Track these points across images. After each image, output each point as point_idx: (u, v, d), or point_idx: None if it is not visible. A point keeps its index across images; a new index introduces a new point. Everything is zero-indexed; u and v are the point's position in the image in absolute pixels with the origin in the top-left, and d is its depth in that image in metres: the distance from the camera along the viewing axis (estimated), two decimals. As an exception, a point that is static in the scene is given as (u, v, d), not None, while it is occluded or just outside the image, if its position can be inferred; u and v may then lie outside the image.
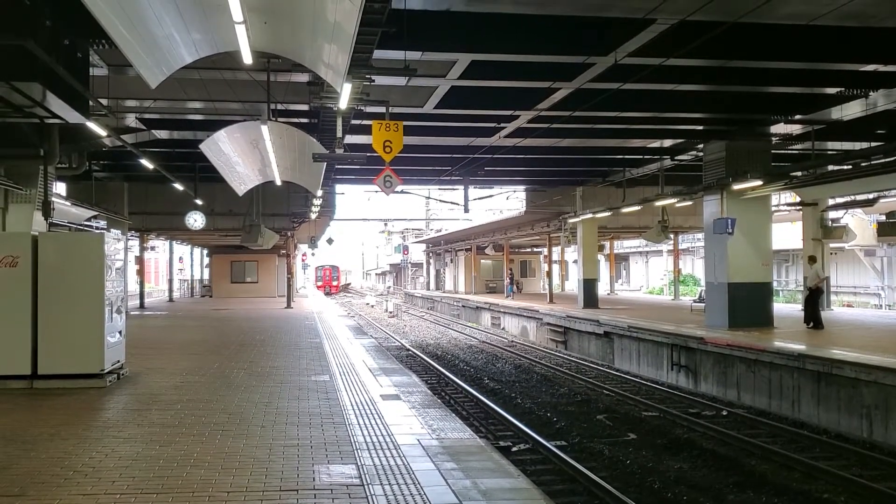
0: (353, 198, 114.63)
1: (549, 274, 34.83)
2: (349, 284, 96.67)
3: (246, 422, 7.58)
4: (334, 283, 78.55)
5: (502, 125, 16.38)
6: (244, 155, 15.97)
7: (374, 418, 7.84)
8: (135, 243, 29.91)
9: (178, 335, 17.87)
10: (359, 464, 6.00)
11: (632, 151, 20.60)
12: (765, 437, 11.53)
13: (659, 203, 22.20)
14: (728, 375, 14.78)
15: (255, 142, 14.00)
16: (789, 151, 20.03)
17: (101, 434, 7.04)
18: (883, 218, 22.99)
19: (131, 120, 15.27)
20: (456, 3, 9.58)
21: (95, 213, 21.50)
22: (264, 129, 12.00)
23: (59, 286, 9.61)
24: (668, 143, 19.37)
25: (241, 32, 7.66)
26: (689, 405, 14.19)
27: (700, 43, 9.73)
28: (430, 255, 60.25)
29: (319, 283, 76.11)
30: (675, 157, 20.80)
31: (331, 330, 19.13)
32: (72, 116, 10.31)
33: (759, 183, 16.10)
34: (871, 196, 21.66)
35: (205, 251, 45.39)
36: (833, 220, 24.29)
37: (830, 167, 16.59)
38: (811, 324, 16.89)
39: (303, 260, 57.42)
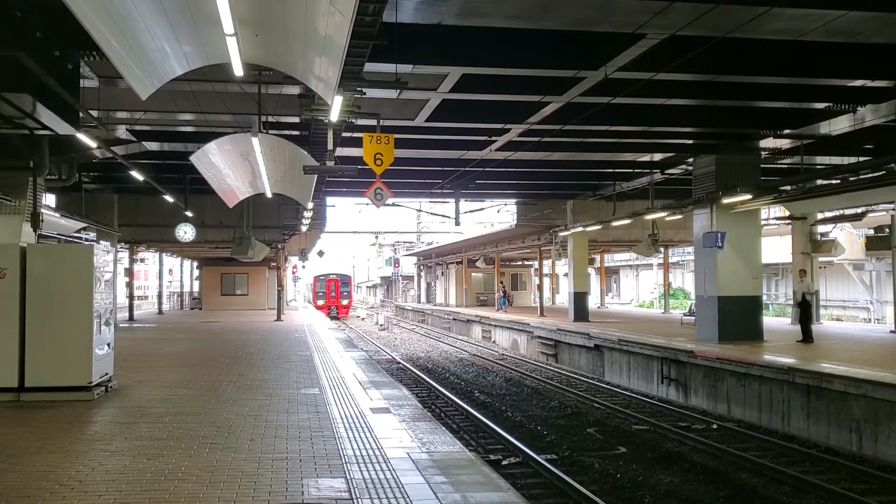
0: (343, 210, 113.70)
1: (540, 287, 34.83)
2: None
3: (235, 435, 7.52)
4: (344, 302, 55.62)
5: (493, 138, 16.43)
6: (235, 167, 15.94)
7: (364, 431, 7.80)
8: (124, 255, 29.76)
9: (168, 347, 17.75)
10: (348, 477, 5.96)
11: (622, 165, 20.69)
12: (755, 451, 11.53)
13: (649, 217, 22.29)
14: (718, 389, 14.80)
15: (246, 154, 13.98)
16: (778, 166, 20.17)
17: (88, 447, 6.97)
18: (871, 232, 23.15)
19: (122, 131, 15.23)
20: (447, 17, 9.63)
21: (85, 224, 21.37)
22: (255, 141, 11.98)
23: (47, 298, 9.54)
24: (658, 157, 19.47)
25: (232, 45, 7.67)
26: (680, 418, 14.18)
27: (690, 58, 9.82)
28: (421, 267, 60.21)
29: (321, 301, 53.80)
30: (665, 171, 20.92)
31: (321, 343, 19.05)
32: (62, 128, 10.27)
33: (749, 197, 16.18)
34: (859, 210, 21.83)
35: (195, 263, 45.21)
36: (822, 234, 24.44)
37: (819, 181, 16.70)
38: (807, 334, 16.96)
39: (293, 272, 55.77)
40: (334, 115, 10.57)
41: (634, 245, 28.79)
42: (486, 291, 46.44)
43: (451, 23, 9.84)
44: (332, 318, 45.68)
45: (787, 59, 11.17)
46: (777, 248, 32.14)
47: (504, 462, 10.62)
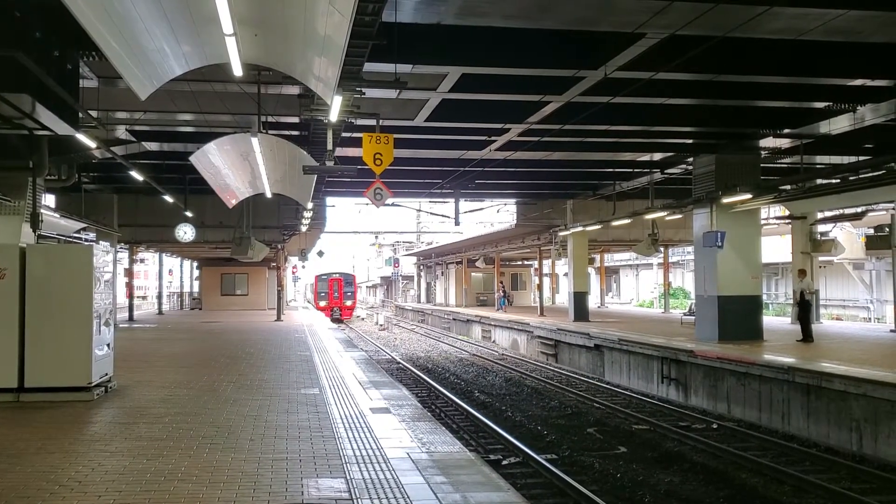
0: (343, 210, 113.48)
1: (540, 287, 34.83)
2: None
3: (234, 435, 7.51)
4: (347, 303, 52.43)
5: (493, 138, 16.42)
6: (234, 167, 15.94)
7: (364, 432, 7.79)
8: (124, 255, 29.75)
9: (167, 348, 17.75)
10: (348, 477, 5.96)
11: (622, 165, 20.69)
12: (755, 451, 11.52)
13: (649, 216, 22.28)
14: (718, 388, 14.79)
15: (246, 154, 13.97)
16: (778, 165, 20.17)
17: (88, 448, 6.96)
18: (871, 231, 23.15)
19: (121, 132, 15.23)
20: (446, 17, 9.62)
21: (85, 225, 21.37)
22: (255, 141, 11.98)
23: (47, 298, 9.53)
24: (657, 156, 19.46)
25: (231, 44, 7.66)
26: (680, 418, 14.18)
27: (689, 57, 9.81)
28: (421, 267, 60.20)
29: (323, 302, 50.74)
30: (665, 171, 20.91)
31: (321, 343, 19.04)
32: (61, 128, 10.26)
33: (749, 196, 16.18)
34: (859, 210, 21.82)
35: (195, 263, 45.21)
36: (822, 234, 24.44)
37: (819, 181, 16.70)
38: (807, 333, 16.94)
39: (293, 272, 55.36)
40: (334, 115, 10.56)
41: (634, 245, 28.78)
42: (485, 291, 46.43)
43: (451, 22, 9.83)
44: (335, 319, 44.16)
45: (787, 59, 11.16)
46: (777, 247, 32.14)
47: (504, 462, 10.61)
